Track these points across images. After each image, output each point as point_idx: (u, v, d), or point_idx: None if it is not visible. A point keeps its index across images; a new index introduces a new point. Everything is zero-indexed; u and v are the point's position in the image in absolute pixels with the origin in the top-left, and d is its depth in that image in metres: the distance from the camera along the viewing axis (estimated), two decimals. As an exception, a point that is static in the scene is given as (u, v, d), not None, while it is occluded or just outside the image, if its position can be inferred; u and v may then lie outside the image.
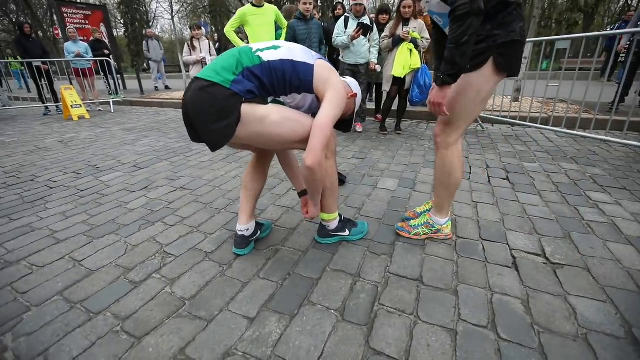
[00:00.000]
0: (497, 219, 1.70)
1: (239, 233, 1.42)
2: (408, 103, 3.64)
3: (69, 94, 5.78)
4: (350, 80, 1.42)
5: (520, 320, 1.05)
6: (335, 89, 1.20)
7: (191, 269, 1.36)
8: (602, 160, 2.63)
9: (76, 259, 1.45)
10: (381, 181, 2.29)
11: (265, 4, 3.59)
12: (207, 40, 5.34)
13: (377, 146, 3.26)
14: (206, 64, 4.86)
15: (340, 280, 1.26)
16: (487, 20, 1.12)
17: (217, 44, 9.54)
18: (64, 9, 9.44)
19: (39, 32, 22.48)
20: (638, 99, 4.74)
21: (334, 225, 1.48)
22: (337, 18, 4.02)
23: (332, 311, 1.11)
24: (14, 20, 23.99)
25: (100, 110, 6.63)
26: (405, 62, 3.34)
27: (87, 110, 5.96)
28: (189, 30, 9.05)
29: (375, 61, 3.65)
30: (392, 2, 19.94)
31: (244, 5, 6.41)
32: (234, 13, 5.32)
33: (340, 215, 1.50)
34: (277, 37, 3.91)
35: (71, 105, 5.66)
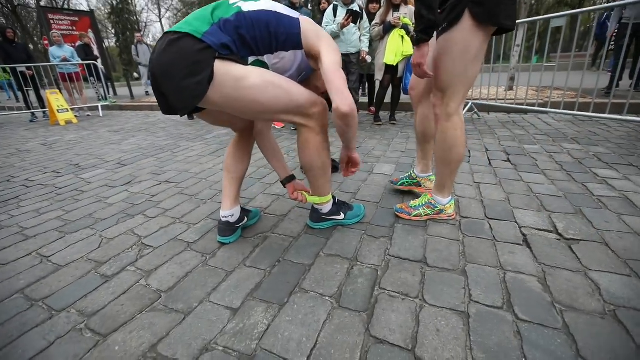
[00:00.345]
0: (502, 198, 1.59)
1: (223, 219, 1.29)
2: (402, 92, 3.54)
3: (55, 98, 5.62)
4: None
5: (539, 299, 0.93)
6: (329, 39, 1.09)
7: (170, 259, 1.23)
8: (604, 140, 2.54)
9: (44, 255, 1.31)
10: (377, 167, 2.17)
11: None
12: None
13: (371, 135, 3.15)
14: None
15: (335, 265, 1.14)
16: None
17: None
18: (50, 16, 9.31)
19: (30, 44, 22.25)
20: (630, 82, 4.73)
21: (327, 208, 1.35)
22: (324, 12, 3.93)
23: (327, 298, 0.98)
24: (3, 31, 23.71)
25: (89, 115, 6.47)
26: (397, 48, 3.24)
27: (75, 116, 5.81)
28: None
29: (367, 50, 3.56)
30: None
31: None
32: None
33: (334, 198, 1.38)
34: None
35: (57, 110, 5.49)
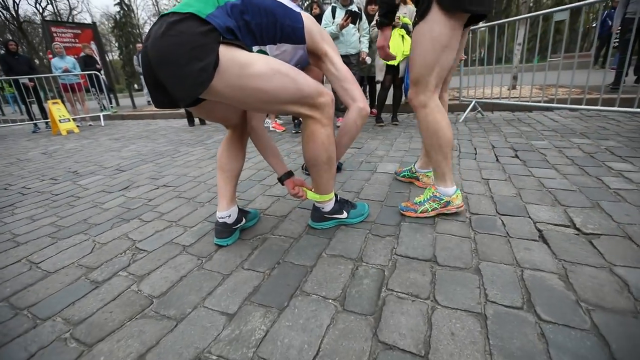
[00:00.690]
0: (512, 194, 1.51)
1: (220, 220, 1.22)
2: (403, 93, 3.50)
3: (57, 108, 5.64)
4: None
5: (562, 298, 0.85)
6: (331, 40, 1.11)
7: (164, 264, 1.16)
8: (615, 133, 2.45)
9: (33, 262, 1.25)
10: (380, 166, 2.10)
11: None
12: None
13: (373, 136, 3.08)
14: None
15: (338, 266, 1.06)
16: None
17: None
18: (53, 29, 9.44)
19: (36, 59, 22.63)
20: (635, 78, 4.64)
21: (329, 207, 1.28)
22: (315, 17, 3.91)
23: (330, 301, 0.91)
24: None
25: (91, 124, 6.49)
26: (397, 48, 3.20)
27: (77, 126, 5.82)
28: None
29: (367, 51, 3.52)
30: None
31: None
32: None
33: (336, 196, 1.31)
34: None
35: (59, 120, 5.51)
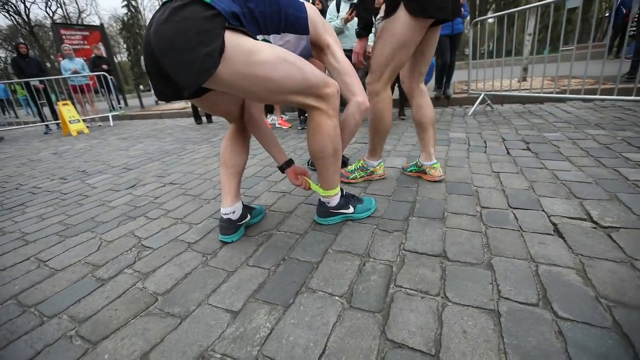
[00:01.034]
0: (525, 187, 1.46)
1: (224, 217, 1.21)
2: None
3: (67, 109, 5.72)
4: None
5: (580, 294, 0.81)
6: (335, 33, 1.12)
7: (169, 261, 1.15)
8: (632, 124, 2.36)
9: (42, 259, 1.26)
10: (388, 160, 2.06)
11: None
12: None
13: (381, 131, 3.03)
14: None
15: (345, 262, 1.04)
16: None
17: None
18: (62, 31, 9.59)
19: (47, 62, 23.05)
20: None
21: (335, 201, 1.26)
22: (321, 12, 3.87)
23: (337, 297, 0.89)
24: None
25: (100, 125, 6.58)
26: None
27: (87, 126, 5.91)
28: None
29: (372, 44, 3.46)
30: None
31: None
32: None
33: (342, 190, 1.28)
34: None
35: (69, 121, 5.59)
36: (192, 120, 5.52)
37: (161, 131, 4.74)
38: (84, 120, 5.93)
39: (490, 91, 3.84)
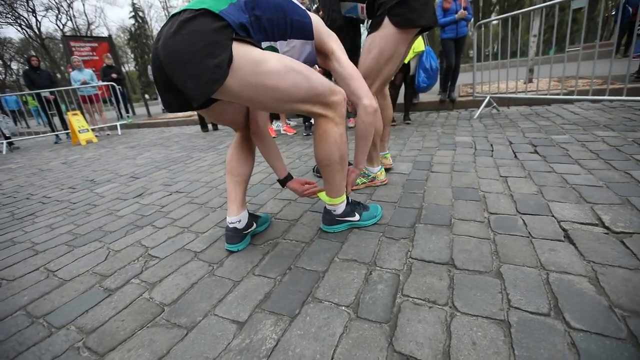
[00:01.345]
0: (533, 191, 1.44)
1: (230, 226, 1.21)
2: (415, 90, 3.43)
3: (76, 119, 5.84)
4: None
5: (593, 303, 0.78)
6: (338, 39, 1.12)
7: (176, 270, 1.16)
8: (643, 125, 2.32)
9: (51, 270, 1.28)
10: (394, 166, 2.05)
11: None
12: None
13: (385, 136, 3.03)
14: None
15: (351, 271, 1.03)
16: None
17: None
18: (72, 43, 9.83)
19: (57, 74, 23.62)
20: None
21: (340, 209, 1.25)
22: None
23: (343, 308, 0.88)
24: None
25: (108, 134, 6.70)
26: (407, 46, 3.14)
27: (96, 136, 6.01)
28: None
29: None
30: None
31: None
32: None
33: (347, 198, 1.28)
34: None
35: (79, 131, 5.70)
36: (198, 127, 5.58)
37: (168, 139, 4.79)
38: (92, 130, 6.04)
39: (496, 93, 3.81)
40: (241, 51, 0.84)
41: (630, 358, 0.64)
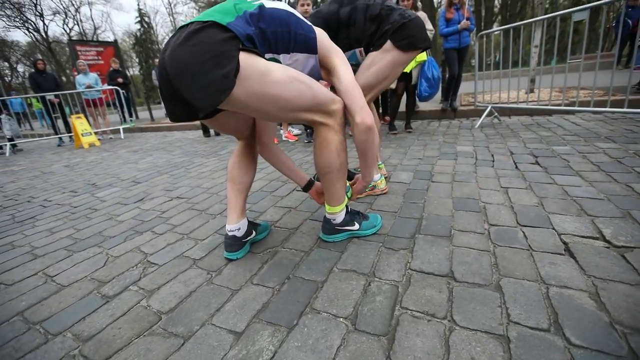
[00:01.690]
0: (534, 203, 1.43)
1: (229, 234, 1.21)
2: (417, 99, 3.45)
3: (80, 122, 5.89)
4: None
5: (594, 319, 0.78)
6: (342, 54, 1.11)
7: (174, 278, 1.15)
8: (645, 137, 2.32)
9: (49, 275, 1.28)
10: (394, 175, 2.05)
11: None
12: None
13: (387, 144, 3.04)
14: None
15: (350, 282, 1.03)
16: (378, 27, 1.46)
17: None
18: (78, 47, 9.94)
19: (63, 77, 23.90)
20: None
21: (340, 218, 1.25)
22: None
23: (341, 319, 0.87)
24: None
25: (111, 137, 6.74)
26: (409, 55, 3.17)
27: (99, 139, 6.05)
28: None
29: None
30: None
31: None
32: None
33: (347, 207, 1.28)
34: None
35: (82, 134, 5.74)
36: (200, 132, 5.61)
37: (170, 144, 4.82)
38: (95, 133, 6.08)
39: (498, 103, 3.82)
40: (248, 61, 0.86)
41: (631, 377, 0.63)
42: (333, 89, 1.23)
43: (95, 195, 2.39)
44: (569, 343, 0.72)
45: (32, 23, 23.18)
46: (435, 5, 13.89)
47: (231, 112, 1.07)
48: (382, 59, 1.47)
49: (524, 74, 4.81)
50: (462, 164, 2.13)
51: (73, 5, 25.22)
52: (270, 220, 1.57)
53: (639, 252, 1.01)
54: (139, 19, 27.80)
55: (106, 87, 6.92)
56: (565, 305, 0.83)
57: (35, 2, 22.50)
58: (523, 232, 1.21)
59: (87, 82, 6.57)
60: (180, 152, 3.92)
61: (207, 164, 3.07)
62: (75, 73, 7.52)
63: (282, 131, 4.04)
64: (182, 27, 0.90)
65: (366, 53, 1.57)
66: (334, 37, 1.28)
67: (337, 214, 1.24)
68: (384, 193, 1.75)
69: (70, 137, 6.47)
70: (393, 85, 3.44)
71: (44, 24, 24.09)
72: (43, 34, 23.96)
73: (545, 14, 3.85)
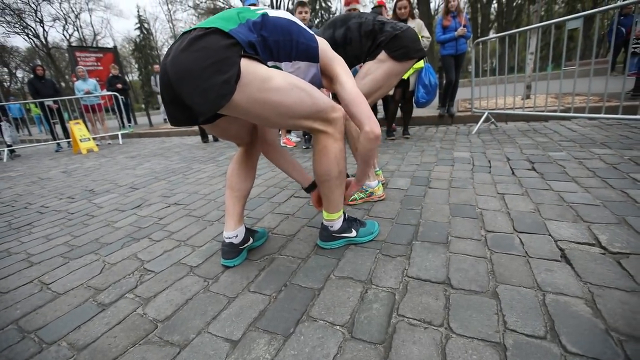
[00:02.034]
0: (530, 209, 1.44)
1: (227, 241, 1.21)
2: (414, 105, 3.47)
3: (78, 128, 5.89)
4: None
5: (590, 327, 0.78)
6: (344, 63, 1.12)
7: (171, 285, 1.15)
8: (638, 142, 2.34)
9: (45, 282, 1.27)
10: (392, 181, 2.06)
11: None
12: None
13: (384, 150, 3.05)
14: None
15: (347, 289, 1.02)
16: (373, 41, 1.52)
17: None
18: (77, 54, 9.99)
19: (62, 83, 23.95)
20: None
21: (337, 225, 1.25)
22: None
23: (338, 327, 0.87)
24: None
25: (109, 143, 6.74)
26: (407, 62, 3.20)
27: (97, 145, 6.05)
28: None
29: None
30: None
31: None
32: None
33: (344, 214, 1.28)
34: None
35: (80, 140, 5.74)
36: (198, 138, 5.62)
37: (168, 149, 4.82)
38: (94, 139, 6.08)
39: (494, 109, 3.85)
40: (249, 68, 0.87)
41: (626, 385, 0.63)
42: (335, 97, 1.24)
43: (92, 202, 2.38)
44: (565, 350, 0.72)
45: (32, 29, 23.31)
46: (432, 13, 14.08)
47: (232, 118, 1.08)
48: (377, 69, 1.52)
49: (520, 80, 4.86)
50: (459, 170, 2.14)
51: (73, 11, 25.40)
52: (268, 226, 1.57)
53: (635, 259, 1.02)
54: (138, 25, 28.02)
55: (105, 92, 6.92)
56: (561, 312, 0.83)
57: (35, 8, 22.65)
58: (519, 238, 1.21)
59: (86, 88, 6.58)
60: (178, 158, 3.92)
61: (205, 170, 3.07)
62: (74, 79, 7.56)
63: (280, 137, 4.05)
64: (185, 32, 0.91)
65: None
66: None
67: (335, 220, 1.24)
68: (382, 200, 1.75)
69: (69, 142, 6.46)
70: (390, 92, 3.46)
71: (44, 30, 24.22)
72: (43, 40, 24.08)
73: (540, 22, 3.91)
